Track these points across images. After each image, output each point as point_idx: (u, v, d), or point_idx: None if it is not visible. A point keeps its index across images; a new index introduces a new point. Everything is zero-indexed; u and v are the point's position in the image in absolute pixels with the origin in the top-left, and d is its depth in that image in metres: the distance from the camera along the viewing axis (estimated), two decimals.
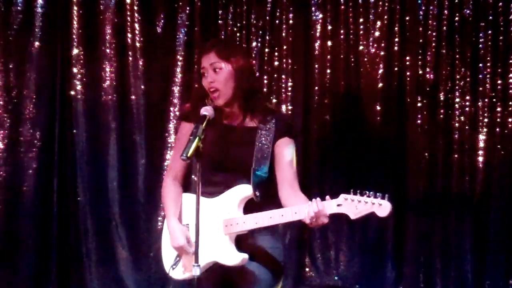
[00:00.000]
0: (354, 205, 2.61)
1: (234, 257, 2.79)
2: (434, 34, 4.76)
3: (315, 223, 2.67)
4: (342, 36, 4.90)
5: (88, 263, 4.95)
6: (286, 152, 2.89)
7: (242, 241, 2.84)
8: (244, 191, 2.82)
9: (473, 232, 4.71)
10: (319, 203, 2.65)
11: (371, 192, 2.60)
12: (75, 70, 4.91)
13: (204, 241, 2.80)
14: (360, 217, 2.63)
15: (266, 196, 2.85)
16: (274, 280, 2.87)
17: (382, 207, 2.59)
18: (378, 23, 4.85)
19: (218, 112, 2.87)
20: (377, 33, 4.86)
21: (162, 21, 5.01)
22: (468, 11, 4.71)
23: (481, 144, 4.71)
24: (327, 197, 2.68)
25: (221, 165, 2.88)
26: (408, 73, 4.82)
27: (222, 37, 4.92)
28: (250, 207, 2.82)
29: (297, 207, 2.71)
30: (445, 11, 4.74)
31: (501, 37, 4.67)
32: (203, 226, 2.76)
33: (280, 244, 2.97)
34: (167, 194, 3.01)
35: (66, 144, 4.95)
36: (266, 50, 4.99)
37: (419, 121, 4.80)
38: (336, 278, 4.94)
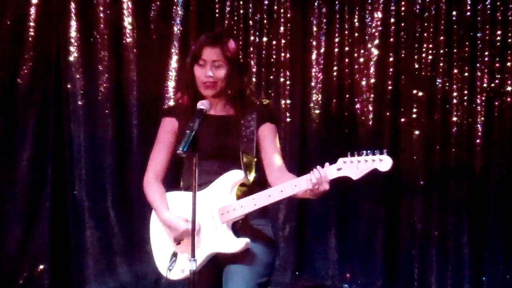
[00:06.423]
0: (355, 166, 2.63)
1: (236, 244, 2.76)
2: (431, 28, 4.76)
3: (317, 190, 2.65)
4: (338, 30, 4.92)
5: (84, 256, 4.91)
6: (270, 137, 2.91)
7: (236, 227, 2.81)
8: (235, 175, 2.81)
9: (470, 226, 4.72)
10: (320, 170, 2.66)
11: (368, 151, 2.62)
12: (70, 60, 4.86)
13: (200, 234, 2.78)
14: (362, 176, 2.63)
15: (258, 181, 2.87)
16: (270, 255, 2.86)
17: (383, 162, 2.61)
18: (375, 16, 4.85)
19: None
20: (373, 27, 4.85)
21: (157, 14, 4.99)
22: (465, 6, 4.70)
23: (478, 140, 4.71)
24: (326, 163, 2.68)
25: (211, 153, 2.84)
26: (403, 67, 4.83)
27: (220, 29, 4.88)
28: (241, 192, 2.82)
29: (296, 180, 2.70)
30: (443, 6, 4.74)
31: (499, 32, 4.67)
32: (198, 219, 2.75)
33: (270, 224, 2.97)
34: (152, 192, 2.94)
35: (61, 136, 4.91)
36: (264, 44, 4.98)
37: (414, 115, 4.80)
38: (329, 272, 4.95)
